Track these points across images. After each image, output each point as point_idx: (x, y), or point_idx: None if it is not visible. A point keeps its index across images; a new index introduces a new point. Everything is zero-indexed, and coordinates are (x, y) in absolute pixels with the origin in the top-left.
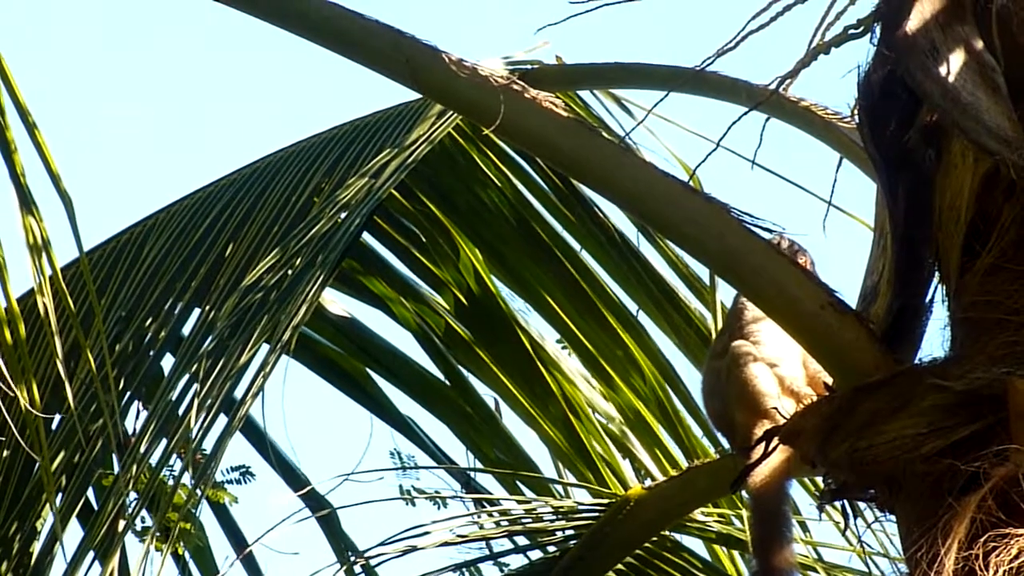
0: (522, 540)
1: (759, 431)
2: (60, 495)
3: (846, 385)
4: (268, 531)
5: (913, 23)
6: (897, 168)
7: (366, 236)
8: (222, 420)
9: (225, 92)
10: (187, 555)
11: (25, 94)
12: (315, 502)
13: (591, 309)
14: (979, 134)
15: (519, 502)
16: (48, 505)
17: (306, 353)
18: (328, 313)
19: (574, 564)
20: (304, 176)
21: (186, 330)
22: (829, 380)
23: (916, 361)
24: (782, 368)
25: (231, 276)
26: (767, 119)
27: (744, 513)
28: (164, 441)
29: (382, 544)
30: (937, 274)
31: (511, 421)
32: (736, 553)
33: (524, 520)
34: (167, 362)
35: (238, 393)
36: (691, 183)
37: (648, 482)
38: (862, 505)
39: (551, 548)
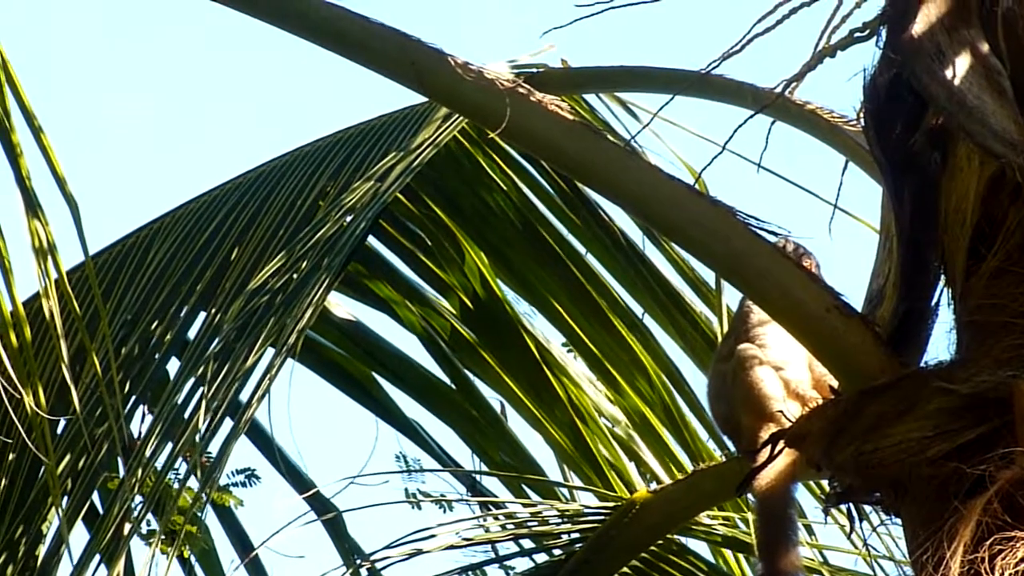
0: (528, 543)
1: (765, 434)
2: (66, 498)
3: (852, 388)
4: (274, 534)
5: (919, 26)
6: (903, 171)
7: (371, 240)
8: (228, 423)
9: (231, 96)
10: (193, 558)
11: (30, 97)
12: (321, 505)
13: (597, 313)
14: (985, 137)
15: (525, 505)
16: (54, 508)
17: (312, 356)
18: (333, 317)
19: (580, 567)
20: (309, 179)
21: (192, 333)
22: (835, 383)
23: (922, 364)
24: (788, 371)
25: (237, 279)
26: (773, 122)
27: (750, 516)
28: (170, 444)
29: (388, 547)
30: (943, 277)
31: (517, 424)
32: (742, 556)
33: (530, 523)
34: (173, 365)
35: (244, 396)
36: (697, 186)
37: (654, 485)
38: (868, 508)
39: (557, 551)
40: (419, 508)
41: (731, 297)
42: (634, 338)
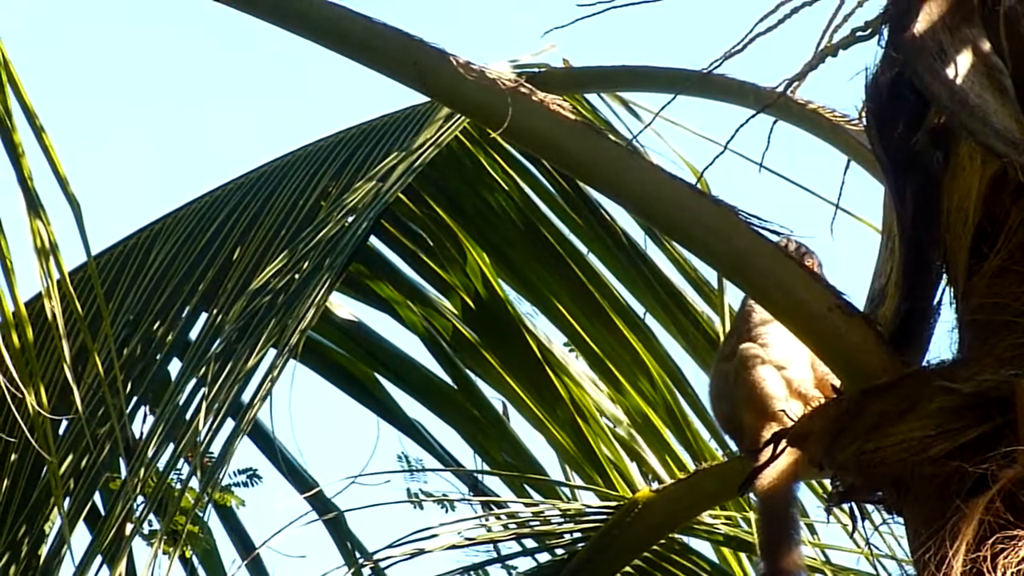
0: (530, 543)
1: (767, 433)
2: (68, 498)
3: (854, 387)
4: (275, 534)
5: (921, 25)
6: (905, 170)
7: (373, 240)
8: (229, 424)
9: (232, 96)
10: (195, 558)
11: (31, 96)
12: (322, 505)
13: (598, 312)
14: (987, 136)
15: (527, 505)
16: (56, 508)
17: (313, 357)
18: (335, 317)
19: (582, 567)
20: (311, 180)
21: (194, 334)
22: (837, 382)
23: (924, 363)
24: (790, 371)
25: (238, 280)
26: (775, 122)
27: (752, 516)
28: (172, 445)
29: (390, 547)
30: (945, 276)
31: (518, 424)
32: (744, 556)
33: (532, 523)
34: (175, 366)
35: (245, 397)
36: (699, 186)
37: (656, 485)
38: (870, 507)
39: (559, 551)
40: (421, 508)
41: (733, 296)
42: (636, 338)
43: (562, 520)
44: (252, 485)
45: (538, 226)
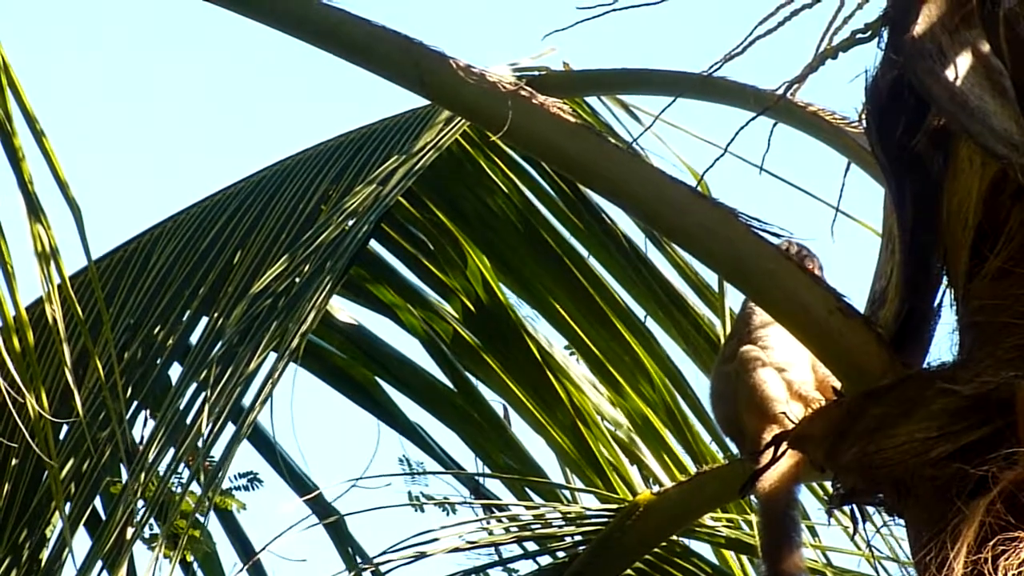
0: (531, 546)
1: (768, 436)
2: (69, 503)
3: (855, 390)
4: (276, 538)
5: (920, 27)
6: (905, 172)
7: (373, 243)
8: (230, 428)
9: (232, 100)
10: (195, 563)
11: (32, 100)
12: (323, 509)
13: (599, 315)
14: (987, 138)
15: (528, 508)
16: (57, 512)
17: (314, 361)
18: (336, 321)
19: (583, 569)
20: (312, 183)
21: (194, 338)
22: (838, 385)
23: (924, 365)
24: (791, 373)
25: (239, 284)
26: (775, 124)
27: (753, 518)
28: (172, 449)
29: (391, 550)
30: (945, 278)
31: (519, 427)
32: (745, 558)
33: (533, 526)
34: (175, 370)
35: (246, 401)
36: (699, 188)
37: (656, 488)
38: (871, 509)
39: (560, 553)
40: (422, 511)
41: (734, 299)
42: (636, 340)
43: (563, 523)
44: (253, 489)
45: (539, 229)
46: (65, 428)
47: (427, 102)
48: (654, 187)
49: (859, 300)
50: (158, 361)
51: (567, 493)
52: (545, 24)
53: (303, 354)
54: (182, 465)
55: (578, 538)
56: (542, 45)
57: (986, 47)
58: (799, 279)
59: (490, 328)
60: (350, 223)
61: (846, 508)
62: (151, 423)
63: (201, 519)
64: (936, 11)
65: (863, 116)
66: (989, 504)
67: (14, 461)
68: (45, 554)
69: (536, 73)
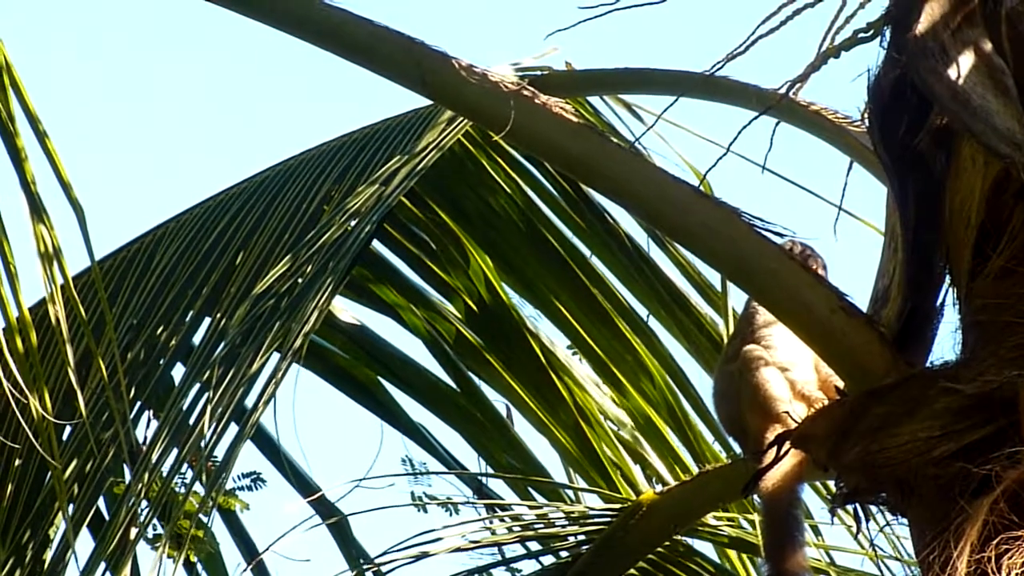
0: (534, 545)
1: (771, 435)
2: (72, 503)
3: (857, 389)
4: (279, 538)
5: (923, 26)
6: (907, 172)
7: (376, 243)
8: (233, 428)
9: (234, 100)
10: (198, 563)
11: (34, 101)
12: (326, 509)
13: (601, 315)
14: (989, 137)
15: (531, 507)
16: (60, 513)
17: (317, 361)
18: (338, 321)
19: (587, 569)
20: (314, 184)
21: (197, 338)
22: (840, 384)
23: (927, 365)
24: (794, 372)
25: (242, 284)
26: (777, 123)
27: (756, 517)
28: (175, 449)
29: (394, 550)
30: (948, 277)
31: (522, 427)
32: (748, 557)
33: (536, 525)
34: (178, 370)
35: (249, 401)
36: (702, 188)
37: (659, 487)
38: (874, 509)
39: (563, 553)
40: (425, 511)
41: (736, 299)
42: (639, 340)
43: (566, 522)
44: (256, 489)
45: (541, 229)
46: (68, 429)
47: (429, 102)
48: (657, 186)
49: (862, 299)
50: (161, 361)
51: (570, 493)
52: (547, 24)
53: (306, 354)
54: (185, 465)
55: (581, 537)
56: (544, 45)
57: (988, 46)
58: (802, 278)
59: (493, 328)
60: (353, 223)
61: (849, 507)
62: (154, 424)
63: (205, 519)
64: (938, 10)
65: (865, 115)
66: (992, 503)
67: (17, 462)
68: (49, 555)
69: (538, 73)
